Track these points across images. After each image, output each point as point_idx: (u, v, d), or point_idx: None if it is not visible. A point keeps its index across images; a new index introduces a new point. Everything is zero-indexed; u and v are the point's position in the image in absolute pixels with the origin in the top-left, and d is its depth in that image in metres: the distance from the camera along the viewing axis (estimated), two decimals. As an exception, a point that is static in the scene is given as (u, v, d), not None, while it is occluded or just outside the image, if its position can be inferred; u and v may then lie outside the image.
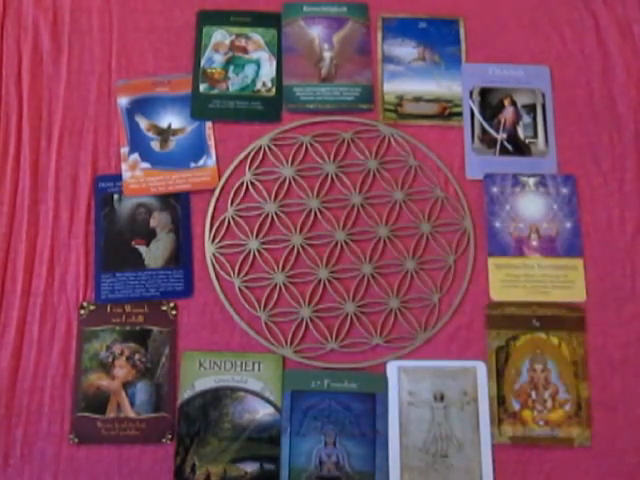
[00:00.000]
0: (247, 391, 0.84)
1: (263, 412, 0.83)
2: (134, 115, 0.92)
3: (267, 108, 0.93)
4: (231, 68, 0.95)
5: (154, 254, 0.88)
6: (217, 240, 0.88)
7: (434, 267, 0.88)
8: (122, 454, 0.82)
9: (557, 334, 0.86)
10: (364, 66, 0.95)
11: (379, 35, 0.97)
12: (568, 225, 0.90)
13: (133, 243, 0.88)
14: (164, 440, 0.82)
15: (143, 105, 0.93)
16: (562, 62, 0.96)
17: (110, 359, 0.85)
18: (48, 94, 0.93)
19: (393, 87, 0.95)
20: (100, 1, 0.97)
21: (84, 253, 0.88)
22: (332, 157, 0.91)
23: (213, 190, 0.90)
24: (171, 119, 0.92)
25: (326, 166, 0.91)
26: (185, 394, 0.83)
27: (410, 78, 0.95)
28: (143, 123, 0.92)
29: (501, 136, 0.93)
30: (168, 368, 0.84)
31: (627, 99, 0.94)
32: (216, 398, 0.83)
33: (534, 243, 0.89)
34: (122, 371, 0.84)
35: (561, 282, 0.88)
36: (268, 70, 0.95)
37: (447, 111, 0.94)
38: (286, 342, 0.85)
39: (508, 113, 0.94)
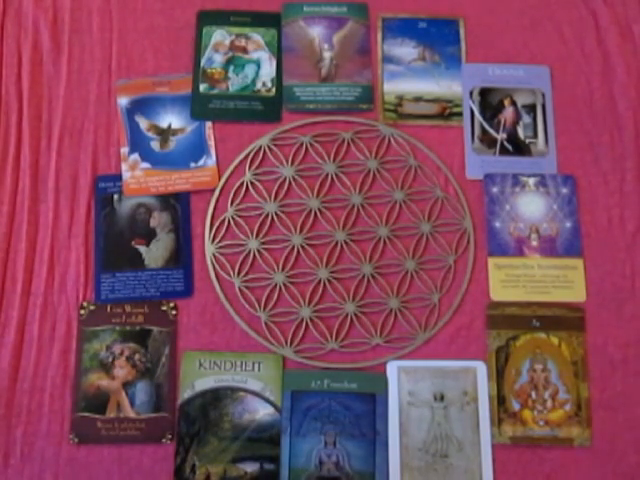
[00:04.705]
0: (247, 391, 0.84)
1: (263, 412, 0.83)
2: (134, 115, 0.92)
3: (267, 108, 0.93)
4: (231, 68, 0.95)
5: (154, 254, 0.88)
6: (217, 240, 0.88)
7: (434, 267, 0.88)
8: (122, 454, 0.82)
9: (557, 334, 0.86)
10: (364, 66, 0.95)
11: (379, 35, 0.97)
12: (568, 225, 0.90)
13: (133, 243, 0.88)
14: (164, 440, 0.82)
15: (143, 105, 0.93)
16: (562, 62, 0.96)
17: (110, 359, 0.85)
18: (48, 94, 0.93)
19: (393, 87, 0.95)
20: (100, 1, 0.97)
21: (84, 253, 0.88)
22: (332, 157, 0.91)
23: (213, 190, 0.90)
24: (171, 119, 0.92)
25: (326, 166, 0.91)
26: (185, 394, 0.83)
27: (410, 78, 0.95)
28: (143, 123, 0.92)
29: (501, 136, 0.93)
30: (168, 368, 0.84)
31: (627, 99, 0.94)
32: (216, 398, 0.83)
33: (534, 243, 0.89)
34: (122, 371, 0.84)
35: (561, 282, 0.88)
36: (268, 70, 0.95)
37: (447, 111, 0.94)
38: (286, 342, 0.85)
39: (508, 113, 0.94)
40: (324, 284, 0.87)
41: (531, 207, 0.90)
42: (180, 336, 0.86)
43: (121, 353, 0.85)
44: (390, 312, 0.87)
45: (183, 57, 0.95)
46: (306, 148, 0.91)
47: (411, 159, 0.92)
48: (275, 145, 0.92)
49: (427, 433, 0.83)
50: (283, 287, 0.87)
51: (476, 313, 0.87)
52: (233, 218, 0.89)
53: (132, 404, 0.83)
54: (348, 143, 0.92)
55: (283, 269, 0.87)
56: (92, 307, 0.86)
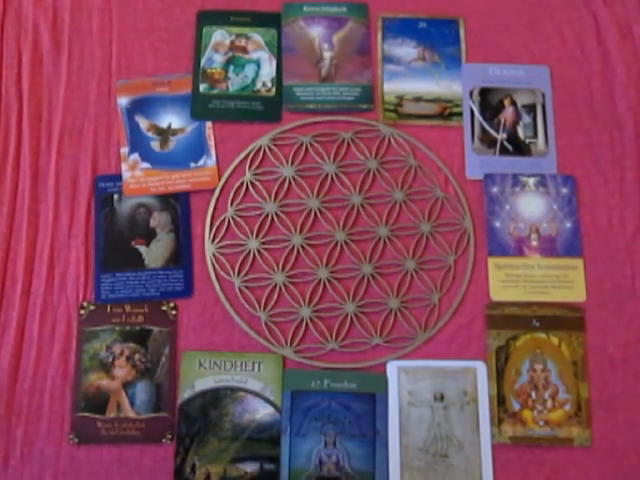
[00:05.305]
0: (247, 391, 0.84)
1: (263, 412, 0.83)
2: (134, 115, 0.92)
3: (267, 108, 0.93)
4: (231, 68, 0.95)
5: (154, 254, 0.88)
6: (217, 240, 0.88)
7: (434, 267, 0.88)
8: (122, 454, 0.82)
9: (557, 334, 0.86)
10: (364, 66, 0.95)
11: (379, 35, 0.97)
12: (568, 225, 0.90)
13: (133, 243, 0.88)
14: (164, 440, 0.82)
15: (143, 105, 0.93)
16: (562, 62, 0.96)
17: (110, 359, 0.85)
18: (48, 94, 0.93)
19: (393, 87, 0.95)
20: (100, 1, 0.97)
21: (84, 253, 0.88)
22: (332, 157, 0.91)
23: (213, 190, 0.90)
24: (171, 119, 0.92)
25: (326, 166, 0.91)
26: (185, 394, 0.83)
27: (410, 78, 0.95)
28: (143, 123, 0.92)
29: (501, 136, 0.93)
30: (168, 368, 0.84)
31: (627, 99, 0.94)
32: (216, 398, 0.83)
33: (534, 243, 0.89)
34: (122, 371, 0.84)
35: (561, 282, 0.88)
36: (268, 70, 0.95)
37: (447, 111, 0.94)
38: (286, 342, 0.85)
39: (508, 113, 0.94)
40: (324, 284, 0.87)
41: (531, 207, 0.90)
42: (180, 336, 0.86)
43: (121, 353, 0.85)
44: (390, 312, 0.87)
45: (183, 57, 0.95)
46: (306, 148, 0.91)
47: (411, 159, 0.92)
48: (275, 145, 0.92)
49: (427, 433, 0.83)
50: (283, 287, 0.87)
51: (476, 313, 0.87)
52: (233, 218, 0.89)
53: (132, 404, 0.83)
54: (348, 143, 0.92)
55: (283, 269, 0.87)
56: (92, 307, 0.86)
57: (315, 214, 0.89)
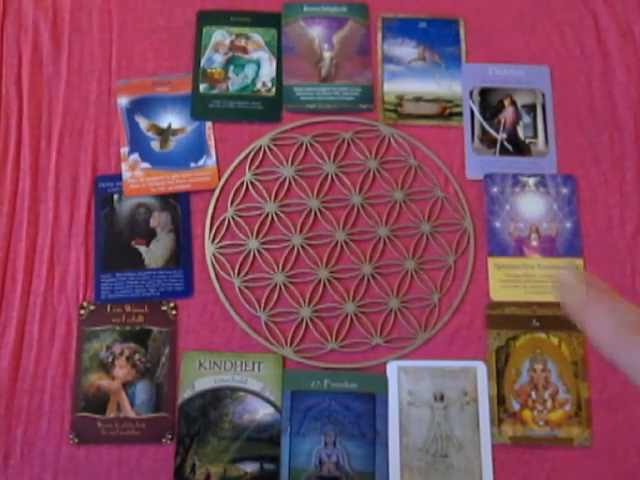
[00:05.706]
0: (247, 391, 0.84)
1: (263, 412, 0.83)
2: (134, 115, 0.92)
3: (267, 108, 0.93)
4: (231, 68, 0.95)
5: (154, 254, 0.88)
6: (217, 240, 0.88)
7: (434, 267, 0.88)
8: (122, 454, 0.82)
9: (557, 334, 0.86)
10: (364, 66, 0.95)
11: (379, 35, 0.97)
12: (568, 225, 0.90)
13: (133, 243, 0.88)
14: (164, 440, 0.82)
15: (143, 105, 0.93)
16: (562, 62, 0.96)
17: (110, 359, 0.85)
18: (48, 94, 0.93)
19: (393, 87, 0.95)
20: (100, 1, 0.97)
21: (84, 253, 0.88)
22: (332, 157, 0.91)
23: (213, 190, 0.90)
24: (171, 119, 0.92)
25: (326, 166, 0.91)
26: (185, 394, 0.83)
27: (410, 78, 0.95)
28: (143, 123, 0.92)
29: (501, 136, 0.93)
30: (168, 368, 0.84)
31: (627, 99, 0.94)
32: (216, 398, 0.83)
33: (534, 243, 0.89)
34: (122, 371, 0.84)
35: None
36: (268, 70, 0.95)
37: (447, 111, 0.94)
38: (286, 342, 0.85)
39: (508, 113, 0.94)
40: (324, 284, 0.87)
41: (531, 207, 0.90)
42: (180, 336, 0.86)
43: (121, 353, 0.85)
44: (390, 312, 0.87)
45: (183, 57, 0.95)
46: (306, 148, 0.91)
47: (411, 159, 0.92)
48: (275, 145, 0.92)
49: (427, 433, 0.83)
50: (283, 287, 0.87)
51: (476, 313, 0.87)
52: (233, 218, 0.89)
53: (132, 404, 0.83)
54: (348, 143, 0.92)
55: (283, 269, 0.87)
56: (92, 307, 0.86)
57: (315, 214, 0.89)
